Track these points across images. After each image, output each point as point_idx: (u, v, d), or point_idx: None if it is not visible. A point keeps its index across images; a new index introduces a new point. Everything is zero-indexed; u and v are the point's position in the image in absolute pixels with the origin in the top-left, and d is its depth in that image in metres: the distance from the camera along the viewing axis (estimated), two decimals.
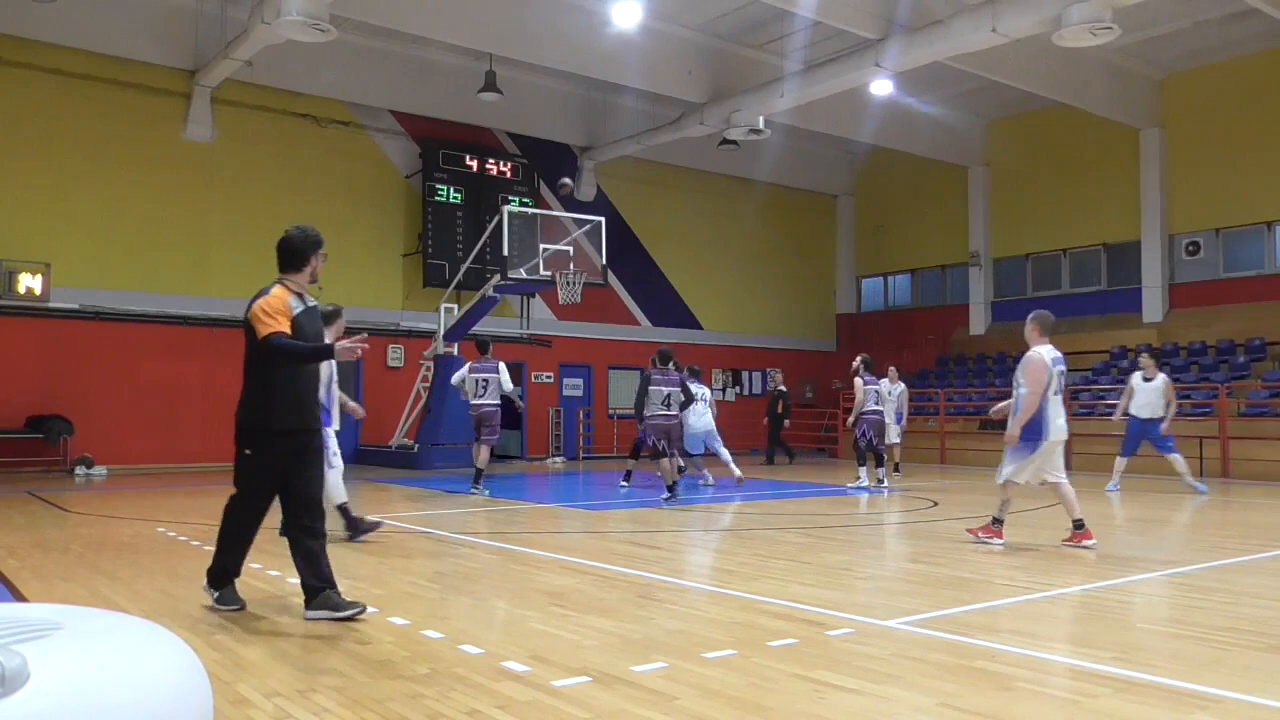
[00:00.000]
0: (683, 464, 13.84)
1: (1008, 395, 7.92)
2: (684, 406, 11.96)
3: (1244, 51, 19.17)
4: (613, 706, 3.57)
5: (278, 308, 4.98)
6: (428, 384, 18.21)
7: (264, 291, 5.08)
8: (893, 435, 15.17)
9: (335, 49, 16.47)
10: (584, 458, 21.63)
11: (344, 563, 7.00)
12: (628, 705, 3.58)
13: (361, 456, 19.02)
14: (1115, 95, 19.83)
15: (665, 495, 11.40)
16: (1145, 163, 20.81)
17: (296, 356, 5.01)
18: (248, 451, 5.07)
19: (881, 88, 18.78)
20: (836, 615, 5.10)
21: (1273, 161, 19.04)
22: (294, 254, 5.20)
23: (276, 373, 5.01)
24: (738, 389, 25.20)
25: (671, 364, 11.90)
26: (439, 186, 20.32)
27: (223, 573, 5.25)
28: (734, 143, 20.82)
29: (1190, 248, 20.62)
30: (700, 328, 24.45)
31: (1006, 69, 17.42)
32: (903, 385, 15.88)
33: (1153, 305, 20.88)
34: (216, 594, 5.22)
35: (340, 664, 4.15)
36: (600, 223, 17.36)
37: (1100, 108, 19.88)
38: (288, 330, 4.92)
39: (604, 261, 17.62)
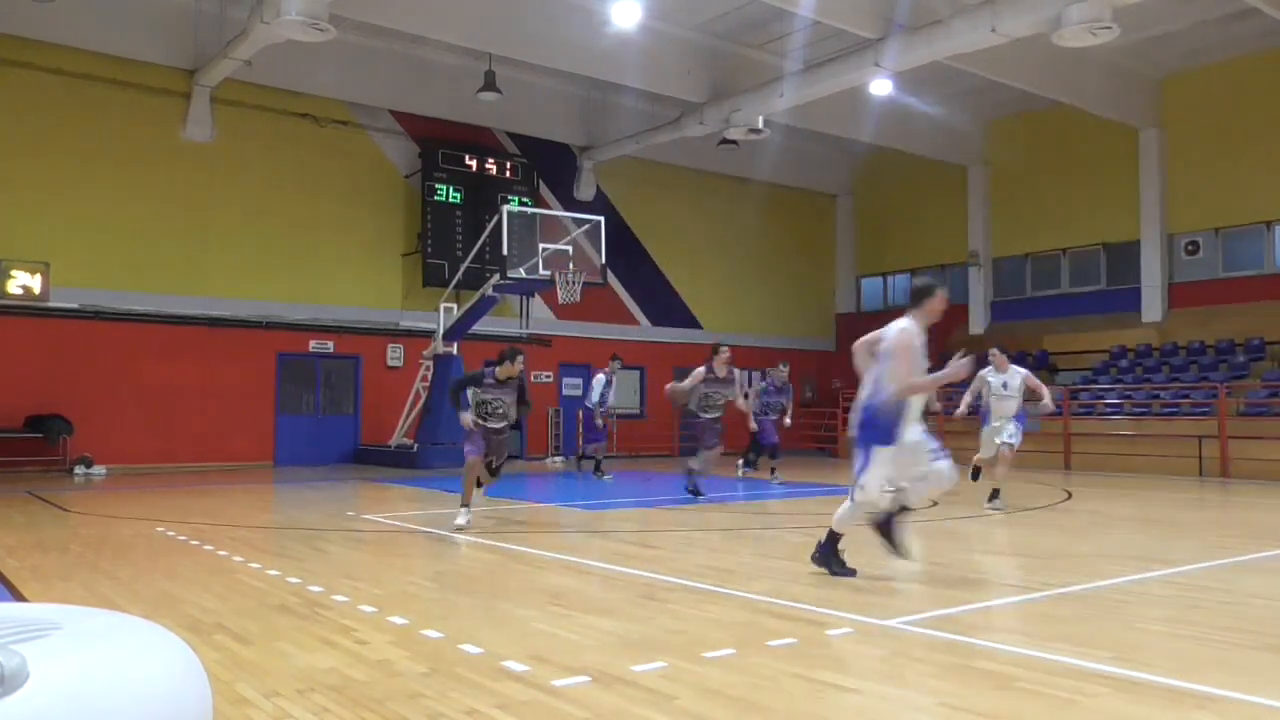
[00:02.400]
0: (696, 465, 12.01)
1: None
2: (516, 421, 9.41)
3: (1243, 51, 19.16)
4: (613, 706, 3.56)
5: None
6: (427, 383, 18.23)
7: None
8: (1005, 435, 10.11)
9: (334, 49, 16.46)
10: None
11: (344, 562, 7.01)
12: (628, 705, 3.57)
13: (361, 456, 19.04)
14: (1115, 95, 19.82)
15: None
16: (1145, 163, 20.80)
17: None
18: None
19: (881, 87, 18.76)
20: (836, 615, 5.10)
21: (1272, 161, 19.03)
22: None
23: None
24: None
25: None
26: (438, 186, 20.31)
27: None
28: (733, 142, 20.81)
29: (1190, 247, 20.62)
30: (700, 327, 24.43)
31: (1006, 69, 17.41)
32: (1013, 370, 10.20)
33: (1152, 305, 20.88)
34: None
35: (340, 663, 4.14)
36: (599, 222, 17.40)
37: (1100, 108, 19.88)
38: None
39: (603, 261, 17.66)
